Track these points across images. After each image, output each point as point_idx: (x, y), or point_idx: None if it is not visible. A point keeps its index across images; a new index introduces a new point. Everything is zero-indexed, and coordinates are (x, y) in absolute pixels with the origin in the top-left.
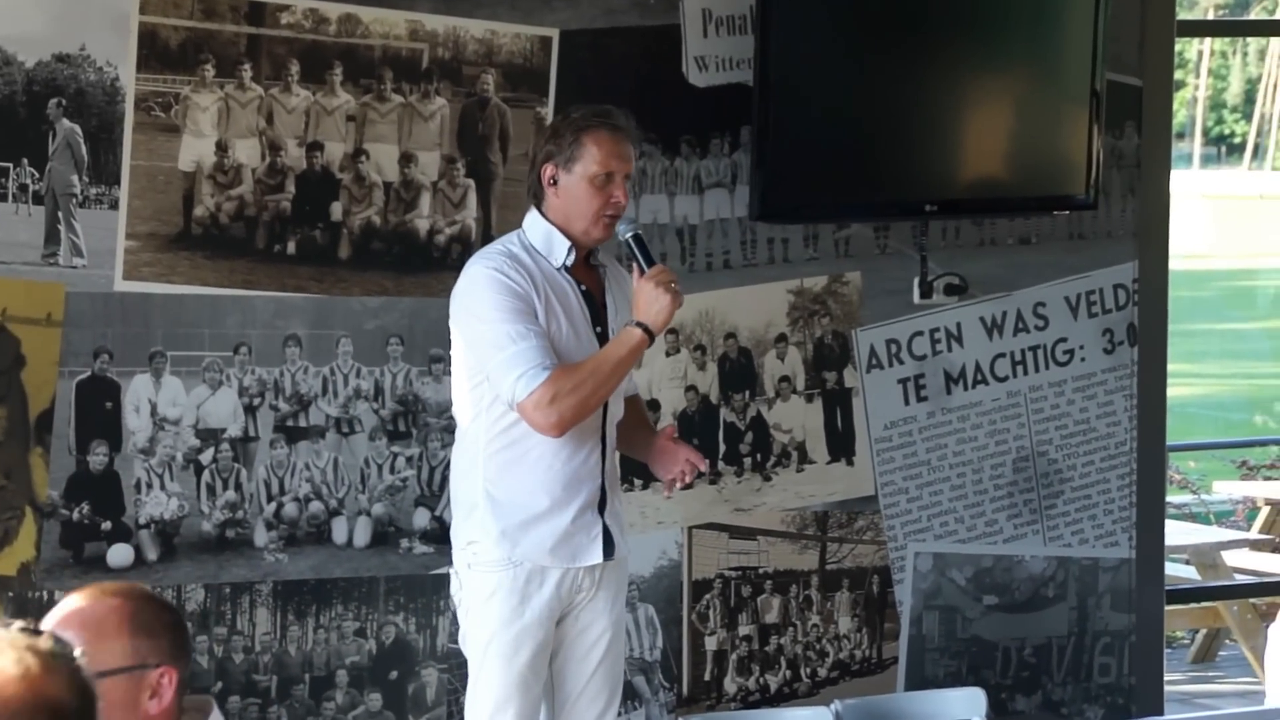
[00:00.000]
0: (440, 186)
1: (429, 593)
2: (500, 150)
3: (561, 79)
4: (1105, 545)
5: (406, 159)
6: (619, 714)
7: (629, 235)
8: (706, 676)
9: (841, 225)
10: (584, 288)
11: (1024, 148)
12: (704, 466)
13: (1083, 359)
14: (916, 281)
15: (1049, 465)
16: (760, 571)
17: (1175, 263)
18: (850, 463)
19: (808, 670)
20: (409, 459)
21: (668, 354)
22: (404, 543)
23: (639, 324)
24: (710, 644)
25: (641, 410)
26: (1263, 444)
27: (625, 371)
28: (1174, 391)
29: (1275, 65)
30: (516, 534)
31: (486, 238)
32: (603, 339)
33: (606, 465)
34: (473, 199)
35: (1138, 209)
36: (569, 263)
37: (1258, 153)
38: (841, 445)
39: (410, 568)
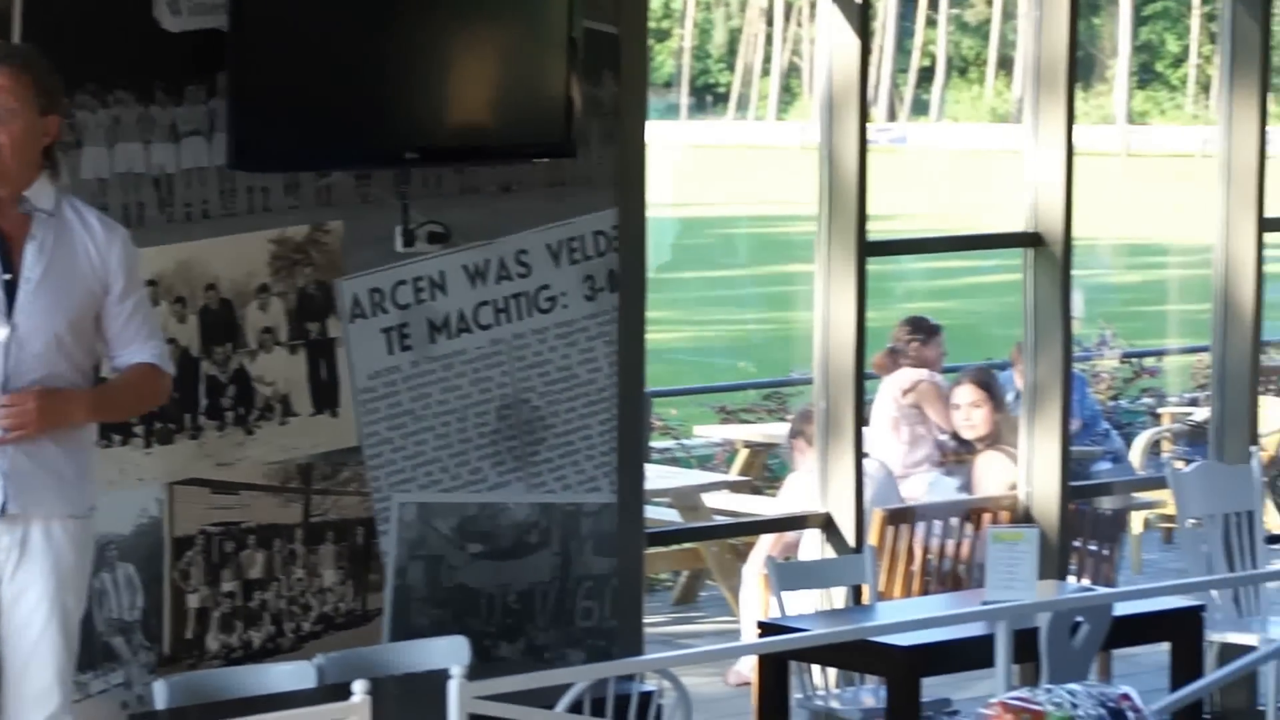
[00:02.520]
0: None
1: None
2: None
3: (29, 22)
4: (587, 490)
5: None
6: (95, 676)
7: None
8: (189, 635)
9: (323, 173)
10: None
11: (503, 95)
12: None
13: (565, 306)
14: (399, 230)
15: (532, 412)
16: (243, 526)
17: (663, 210)
18: (334, 414)
19: (292, 625)
20: None
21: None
22: None
23: None
24: (192, 601)
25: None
26: (740, 388)
27: None
28: (662, 338)
29: (757, 16)
30: None
31: None
32: (10, 287)
33: None
34: None
35: (616, 157)
36: None
37: (742, 103)
38: (325, 396)
39: None
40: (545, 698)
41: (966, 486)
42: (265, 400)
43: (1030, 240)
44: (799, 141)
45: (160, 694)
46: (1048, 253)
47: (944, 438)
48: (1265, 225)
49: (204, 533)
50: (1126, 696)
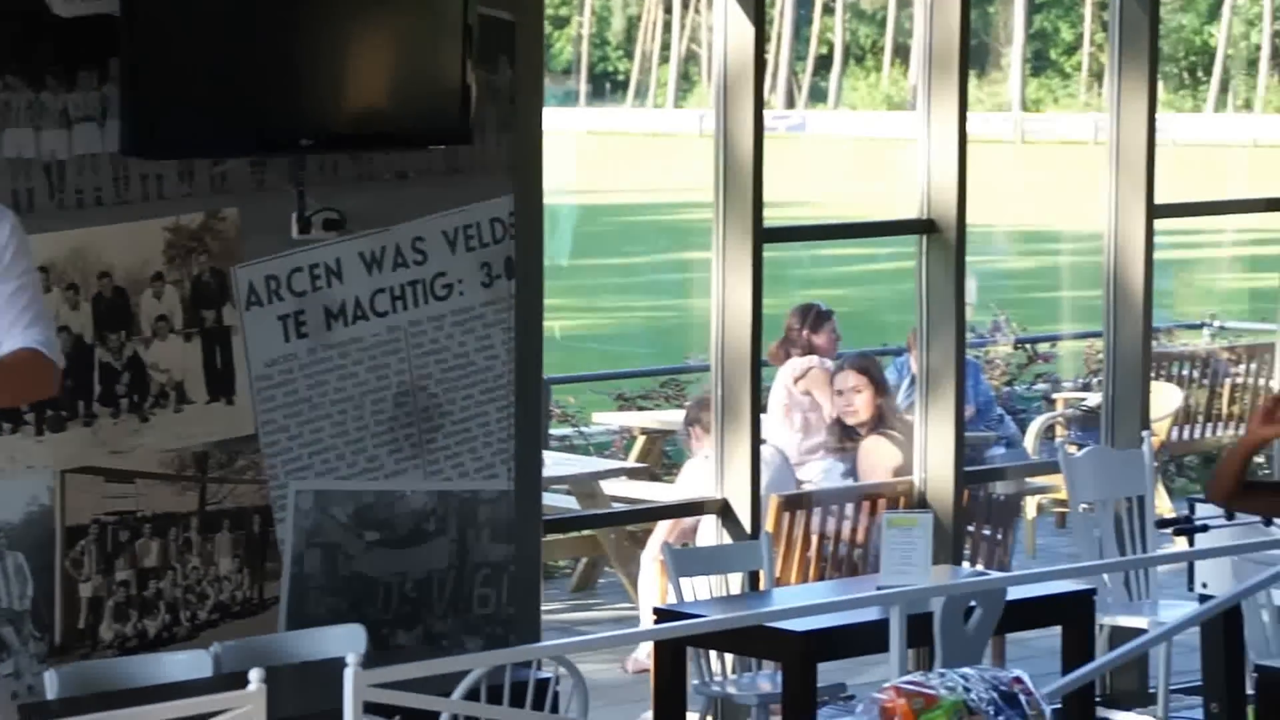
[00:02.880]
0: None
1: None
2: None
3: None
4: (485, 478)
5: None
6: None
7: None
8: (81, 624)
9: (218, 160)
10: None
11: (399, 82)
12: None
13: (461, 293)
14: (295, 217)
15: (429, 400)
16: (138, 515)
17: (562, 198)
18: (230, 401)
19: (188, 614)
20: None
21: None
22: None
23: None
24: (85, 591)
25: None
26: (638, 375)
27: None
28: (563, 325)
29: (656, 4)
30: None
31: None
32: None
33: None
34: None
35: (513, 144)
36: None
37: (640, 90)
38: (221, 384)
39: None
40: (442, 685)
41: (852, 472)
42: (160, 388)
43: (924, 227)
44: (698, 129)
45: (51, 684)
46: (941, 239)
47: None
48: (1155, 211)
49: (97, 521)
50: (1019, 679)
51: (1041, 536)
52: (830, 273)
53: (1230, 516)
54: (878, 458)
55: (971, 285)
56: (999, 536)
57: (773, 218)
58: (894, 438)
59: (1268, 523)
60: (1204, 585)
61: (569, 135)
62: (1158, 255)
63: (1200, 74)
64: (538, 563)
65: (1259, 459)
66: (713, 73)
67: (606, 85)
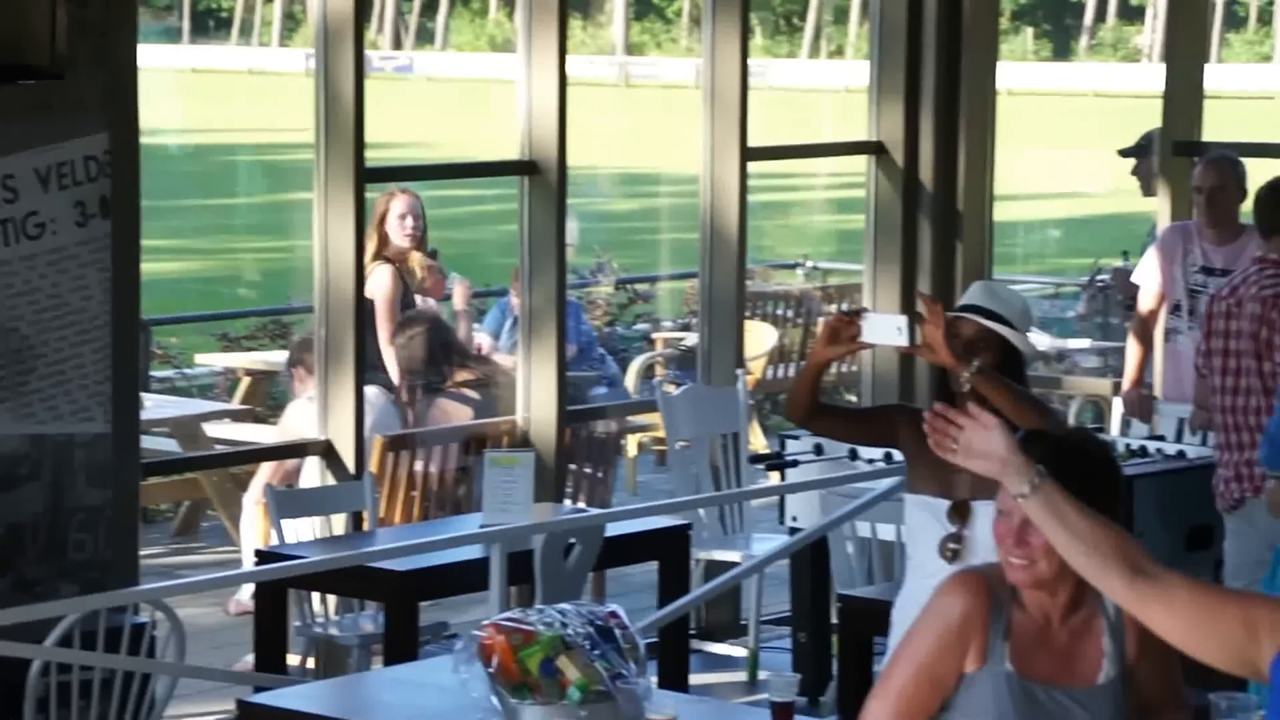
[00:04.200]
0: None
1: None
2: None
3: None
4: (80, 420)
5: None
6: None
7: None
8: None
9: None
10: None
11: None
12: None
13: (55, 232)
14: None
15: (21, 341)
16: None
17: (163, 137)
18: None
19: None
20: None
21: None
22: None
23: None
24: None
25: None
26: (242, 316)
27: None
28: (160, 266)
29: None
30: None
31: None
32: None
33: None
34: None
35: (106, 80)
36: None
37: (245, 28)
38: None
39: None
40: (37, 632)
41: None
42: None
43: (525, 169)
44: (304, 68)
45: None
46: (543, 181)
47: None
48: (748, 155)
49: None
50: (614, 614)
51: (642, 474)
52: (437, 215)
53: (819, 451)
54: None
55: (573, 226)
56: (600, 474)
57: (381, 159)
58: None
59: (853, 456)
60: (794, 519)
61: (170, 73)
62: (753, 198)
63: (796, 21)
64: (136, 506)
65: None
66: (314, 12)
67: (210, 22)
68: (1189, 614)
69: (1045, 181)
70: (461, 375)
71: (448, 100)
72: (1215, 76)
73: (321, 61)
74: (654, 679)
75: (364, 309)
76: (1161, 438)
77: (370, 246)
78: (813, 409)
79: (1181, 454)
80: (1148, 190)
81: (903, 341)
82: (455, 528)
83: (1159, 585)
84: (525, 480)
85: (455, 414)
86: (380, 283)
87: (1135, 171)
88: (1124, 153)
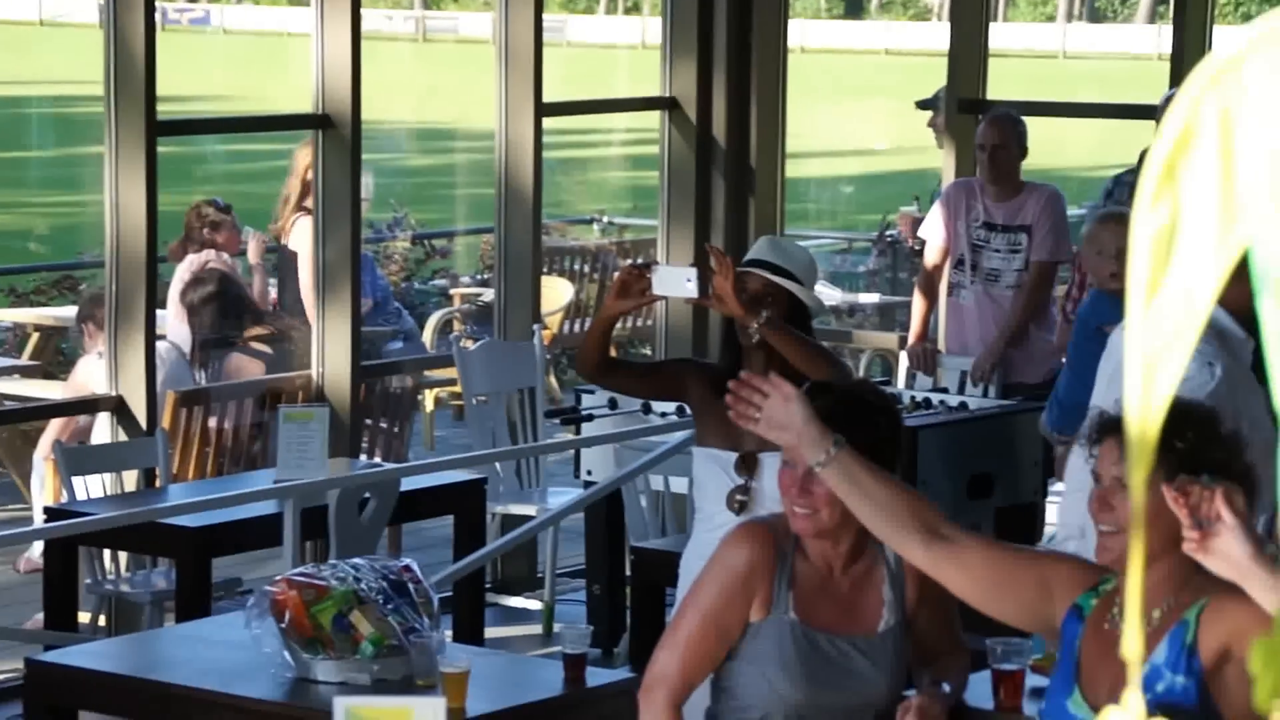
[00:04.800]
0: None
1: None
2: None
3: None
4: None
5: None
6: None
7: None
8: None
9: None
10: None
11: None
12: None
13: None
14: None
15: None
16: None
17: None
18: None
19: None
20: None
21: None
22: None
23: None
24: None
25: None
26: (31, 270)
27: None
28: None
29: None
30: None
31: None
32: None
33: None
34: None
35: None
36: None
37: None
38: None
39: None
40: None
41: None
42: None
43: (319, 122)
44: (97, 19)
45: None
46: (337, 135)
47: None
48: (543, 110)
49: None
50: (408, 568)
51: (440, 429)
52: (235, 170)
53: (613, 406)
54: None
55: (368, 181)
56: (396, 429)
57: (177, 112)
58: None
59: (647, 410)
60: (588, 473)
61: None
62: (550, 154)
63: None
64: None
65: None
66: None
67: None
68: (985, 576)
69: (838, 138)
70: (255, 330)
71: (245, 53)
72: (1000, 35)
73: (111, 12)
74: (449, 633)
75: (155, 263)
76: (945, 390)
77: (292, 199)
78: (602, 364)
79: (964, 405)
80: (942, 143)
81: (693, 293)
82: (249, 484)
83: (955, 548)
84: (320, 435)
85: (248, 369)
86: (304, 236)
87: (931, 124)
88: (921, 104)
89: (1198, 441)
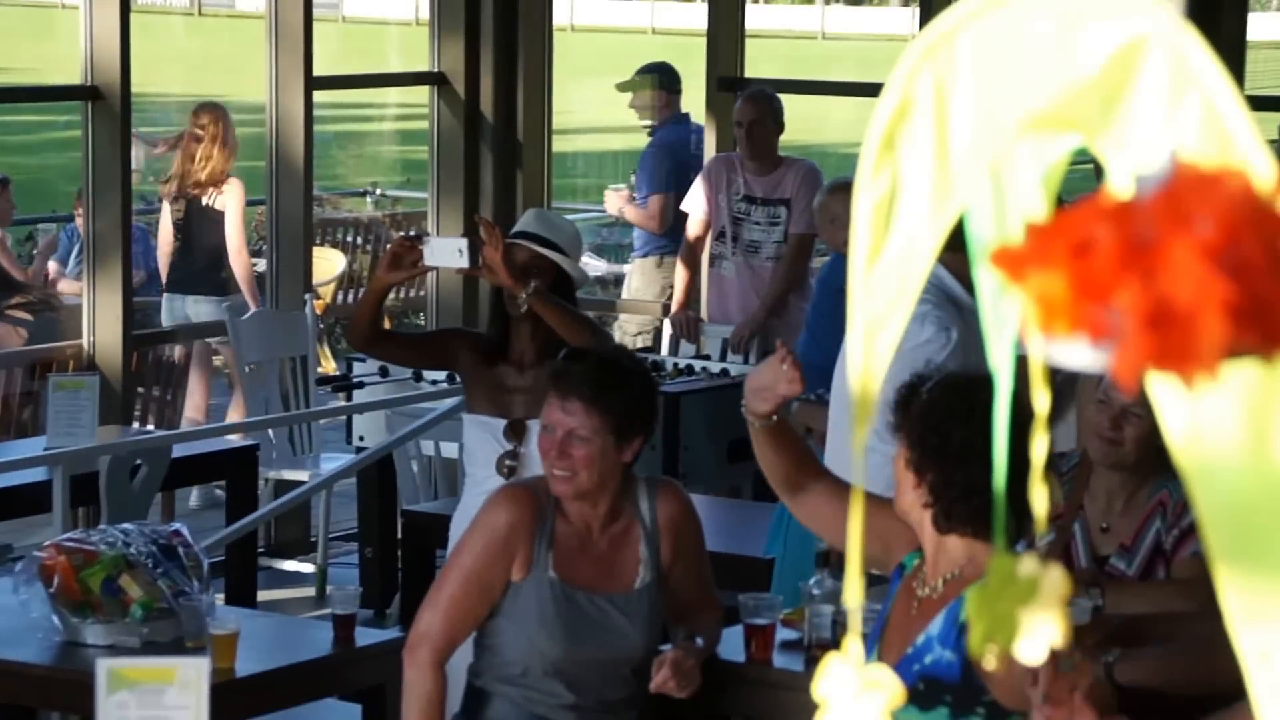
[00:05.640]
0: None
1: None
2: None
3: None
4: None
5: None
6: None
7: None
8: None
9: None
10: None
11: None
12: None
13: None
14: None
15: None
16: None
17: None
18: None
19: None
20: None
21: None
22: None
23: None
24: None
25: None
26: None
27: None
28: None
29: None
30: None
31: None
32: None
33: None
34: None
35: None
36: None
37: None
38: None
39: None
40: None
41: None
42: None
43: (88, 94)
44: None
45: None
46: (106, 107)
47: None
48: (314, 84)
49: None
50: (178, 533)
51: (215, 397)
52: (5, 141)
53: (384, 373)
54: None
55: (139, 153)
56: (169, 397)
57: None
58: None
59: (417, 378)
60: (360, 438)
61: None
62: (324, 127)
63: None
64: None
65: None
66: None
67: None
68: (836, 522)
69: (605, 114)
70: (14, 300)
71: (14, 24)
72: (761, 16)
73: None
74: (221, 596)
75: None
76: (707, 357)
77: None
78: (374, 335)
79: (725, 372)
80: (645, 118)
81: (464, 263)
82: (19, 451)
83: (814, 498)
84: (90, 404)
85: (8, 339)
86: (235, 197)
87: (632, 105)
88: (621, 86)
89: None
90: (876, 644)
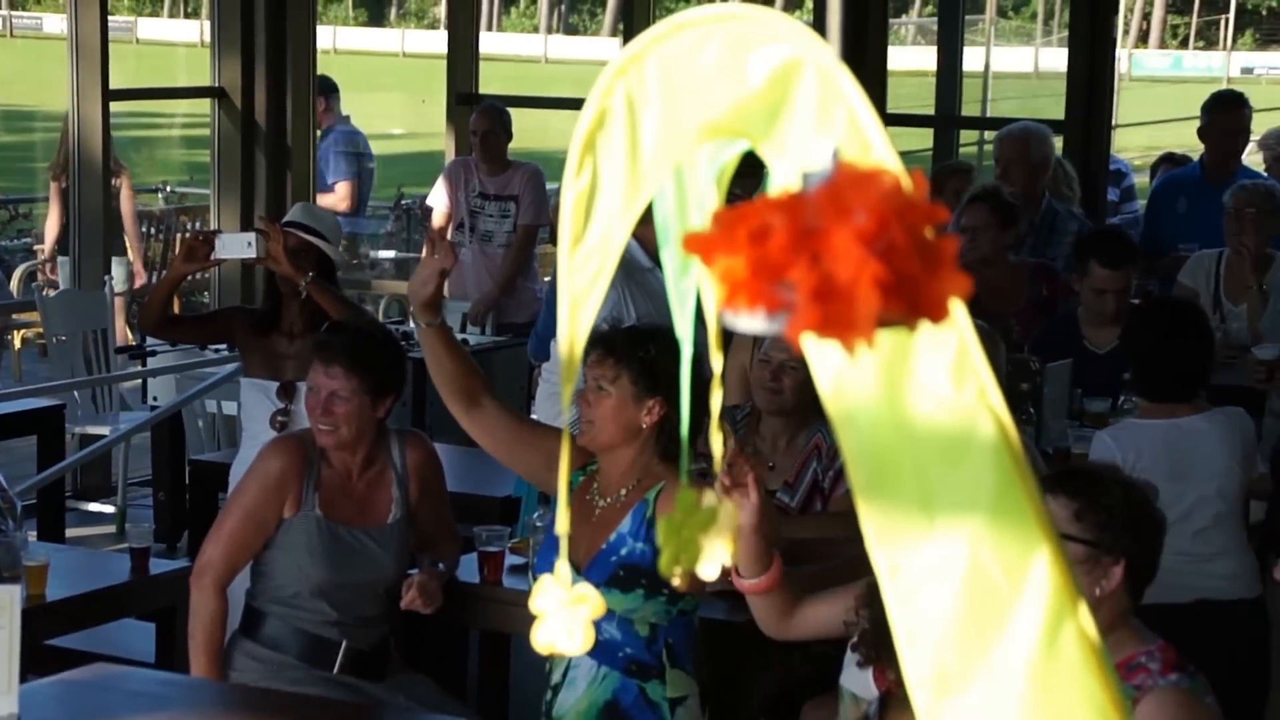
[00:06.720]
0: None
1: None
2: None
3: None
4: None
5: None
6: None
7: None
8: None
9: None
10: None
11: None
12: None
13: None
14: None
15: None
16: None
17: None
18: None
19: None
20: None
21: None
22: None
23: None
24: None
25: None
26: None
27: None
28: None
29: None
30: None
31: None
32: None
33: None
34: None
35: None
36: None
37: None
38: None
39: None
40: None
41: None
42: None
43: None
44: None
45: None
46: None
47: None
48: (110, 96)
49: None
50: None
51: (26, 364)
52: None
53: (174, 343)
54: None
55: None
56: None
57: None
58: None
59: (203, 347)
60: (154, 398)
61: None
62: (121, 134)
63: None
64: None
65: None
66: None
67: None
68: (504, 440)
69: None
70: None
71: None
72: (493, 43)
73: None
74: (33, 534)
75: None
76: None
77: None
78: (162, 320)
79: (465, 342)
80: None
81: (253, 254)
82: None
83: (485, 415)
84: None
85: None
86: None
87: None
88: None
89: (658, 354)
90: (554, 551)
